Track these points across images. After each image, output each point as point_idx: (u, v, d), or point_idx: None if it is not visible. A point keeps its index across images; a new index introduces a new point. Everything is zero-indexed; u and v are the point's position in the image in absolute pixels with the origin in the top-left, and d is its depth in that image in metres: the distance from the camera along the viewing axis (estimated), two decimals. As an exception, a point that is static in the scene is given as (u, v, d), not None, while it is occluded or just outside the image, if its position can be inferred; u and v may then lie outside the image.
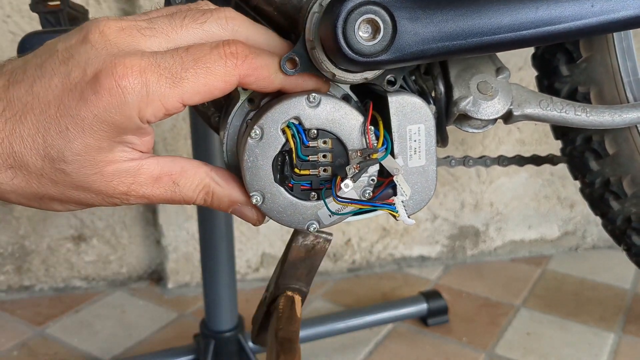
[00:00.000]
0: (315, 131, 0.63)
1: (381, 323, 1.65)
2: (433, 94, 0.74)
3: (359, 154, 0.63)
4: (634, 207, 1.01)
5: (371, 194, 0.65)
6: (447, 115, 0.73)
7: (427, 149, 0.66)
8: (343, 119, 0.63)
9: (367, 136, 0.63)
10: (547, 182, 1.98)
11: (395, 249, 1.98)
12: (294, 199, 0.64)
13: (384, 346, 1.58)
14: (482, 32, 0.60)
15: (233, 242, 1.41)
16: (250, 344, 1.44)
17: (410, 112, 0.65)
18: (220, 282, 1.40)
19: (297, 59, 0.63)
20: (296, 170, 0.64)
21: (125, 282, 1.91)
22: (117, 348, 1.60)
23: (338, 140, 0.64)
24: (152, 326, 1.69)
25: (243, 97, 0.67)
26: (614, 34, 0.90)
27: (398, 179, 0.65)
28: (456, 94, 0.72)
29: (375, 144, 0.64)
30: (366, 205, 0.64)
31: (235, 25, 0.61)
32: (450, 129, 0.77)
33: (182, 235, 1.83)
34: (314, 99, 0.62)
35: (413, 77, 0.74)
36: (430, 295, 1.69)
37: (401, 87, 0.70)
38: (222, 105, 0.74)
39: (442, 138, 0.75)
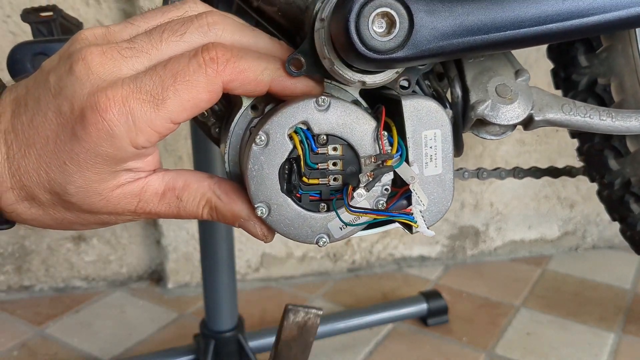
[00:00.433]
0: (325, 137, 0.57)
1: (381, 323, 1.64)
2: (450, 98, 0.68)
3: (373, 160, 0.57)
4: (656, 211, 0.95)
5: (385, 205, 0.58)
6: (463, 121, 0.67)
7: (443, 157, 0.60)
8: (354, 124, 0.57)
9: (380, 142, 0.57)
10: (547, 182, 1.97)
11: (395, 249, 1.96)
12: (303, 210, 0.58)
13: (384, 346, 1.57)
14: (505, 26, 0.54)
15: (233, 242, 1.39)
16: (250, 343, 1.43)
17: (425, 117, 0.59)
18: (220, 282, 1.39)
19: (302, 59, 0.57)
20: (304, 179, 0.57)
21: (125, 282, 1.90)
22: (117, 348, 1.58)
23: (349, 147, 0.57)
24: (152, 326, 1.68)
25: (246, 104, 0.61)
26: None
27: (414, 187, 0.58)
28: (473, 97, 0.66)
29: (389, 151, 0.57)
30: (382, 215, 0.58)
31: (218, 30, 0.56)
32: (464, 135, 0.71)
33: (182, 235, 1.81)
34: (323, 102, 0.55)
35: (427, 81, 0.68)
36: (430, 295, 1.68)
37: (414, 91, 0.64)
38: (223, 115, 0.68)
39: (457, 147, 0.68)
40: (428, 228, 0.58)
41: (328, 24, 0.55)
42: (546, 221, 2.01)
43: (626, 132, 0.71)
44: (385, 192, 0.58)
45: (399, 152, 0.58)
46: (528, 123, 0.68)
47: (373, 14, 0.51)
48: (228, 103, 0.68)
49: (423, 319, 1.66)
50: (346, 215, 0.58)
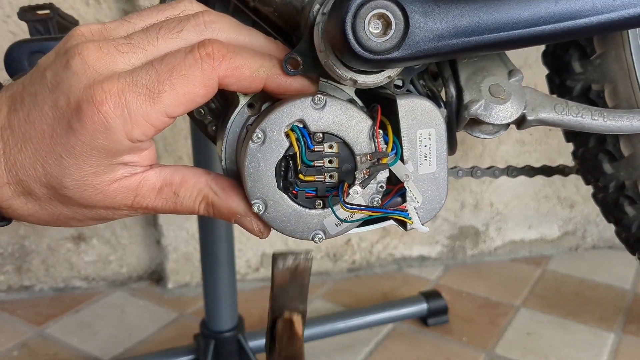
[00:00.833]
0: (321, 135, 0.58)
1: (381, 323, 1.64)
2: (443, 98, 0.70)
3: (368, 158, 0.58)
4: (650, 213, 0.96)
5: (380, 202, 0.60)
6: (457, 120, 0.68)
7: (437, 155, 0.61)
8: (350, 122, 0.58)
9: (376, 140, 0.58)
10: (547, 182, 1.96)
11: (395, 249, 1.96)
12: (299, 207, 0.59)
13: (384, 346, 1.57)
14: (499, 28, 0.56)
15: (233, 242, 1.39)
16: (250, 343, 1.43)
17: (420, 116, 0.60)
18: (220, 282, 1.39)
19: (299, 59, 0.59)
20: (301, 176, 0.59)
21: (125, 282, 1.90)
22: (117, 348, 1.59)
23: (345, 145, 0.59)
24: (152, 326, 1.68)
25: (243, 102, 0.62)
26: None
27: (409, 185, 0.60)
28: (467, 97, 0.67)
29: (385, 149, 0.59)
30: (377, 212, 0.59)
31: (214, 28, 0.57)
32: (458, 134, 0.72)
33: (182, 235, 1.82)
34: (319, 100, 0.57)
35: (422, 81, 0.69)
36: (430, 295, 1.68)
37: (408, 90, 0.66)
38: (220, 113, 0.69)
39: (450, 145, 0.70)
40: (422, 225, 0.60)
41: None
42: (546, 221, 2.01)
43: (617, 132, 0.73)
44: (380, 189, 0.60)
45: (394, 150, 0.60)
46: (521, 122, 0.70)
47: (369, 15, 0.53)
48: (225, 101, 0.69)
49: (423, 319, 1.66)
50: (342, 212, 0.59)
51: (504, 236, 2.02)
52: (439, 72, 0.70)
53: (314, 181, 0.59)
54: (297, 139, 0.57)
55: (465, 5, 0.55)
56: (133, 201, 0.58)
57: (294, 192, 0.59)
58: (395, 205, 0.61)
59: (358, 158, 0.59)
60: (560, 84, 0.91)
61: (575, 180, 1.89)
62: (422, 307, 1.65)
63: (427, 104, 0.60)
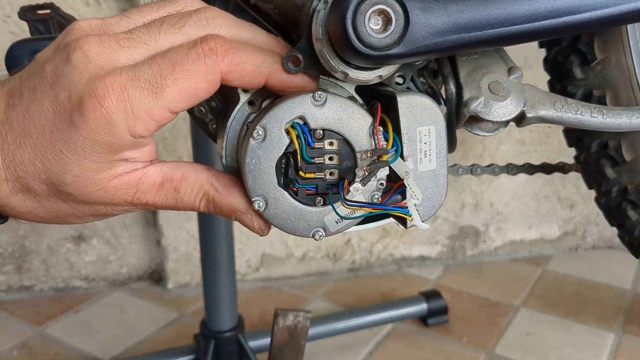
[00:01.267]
0: (321, 132, 0.58)
1: (381, 323, 1.64)
2: (443, 95, 0.70)
3: (368, 155, 0.58)
4: (653, 218, 0.97)
5: (380, 199, 0.60)
6: (457, 117, 0.68)
7: (437, 152, 0.61)
8: (350, 119, 0.58)
9: (376, 137, 0.59)
10: (547, 182, 1.97)
11: (395, 249, 1.97)
12: (299, 204, 0.59)
13: (384, 346, 1.57)
14: (499, 23, 0.56)
15: (233, 242, 1.39)
16: (250, 343, 1.44)
17: (420, 113, 0.60)
18: (220, 282, 1.39)
19: (300, 56, 0.59)
20: (301, 173, 0.59)
21: (125, 282, 1.90)
22: (117, 348, 1.59)
23: (345, 142, 0.59)
24: (152, 326, 1.68)
25: (243, 99, 0.62)
26: (629, 34, 0.85)
27: (409, 182, 0.60)
28: (466, 94, 0.67)
29: (385, 146, 0.59)
30: (377, 209, 0.59)
31: (217, 24, 0.57)
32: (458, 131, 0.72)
33: (182, 235, 1.82)
34: (319, 97, 0.57)
35: (421, 78, 0.69)
36: (430, 295, 1.68)
37: (408, 88, 0.66)
38: (220, 111, 0.69)
39: (450, 143, 0.70)
40: (423, 222, 0.60)
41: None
42: (546, 221, 2.01)
43: (617, 129, 0.73)
44: (381, 186, 0.60)
45: (394, 148, 0.60)
46: (520, 120, 0.70)
47: (369, 11, 0.53)
48: (225, 99, 0.69)
49: (423, 319, 1.66)
50: (342, 209, 0.59)
51: (504, 236, 2.02)
52: (438, 69, 0.70)
53: (315, 178, 0.59)
54: (298, 136, 0.58)
55: (465, 1, 0.55)
56: (133, 197, 0.57)
57: (294, 189, 0.59)
58: (395, 203, 0.61)
59: (358, 155, 0.59)
60: (562, 90, 0.91)
61: (575, 180, 1.89)
62: (422, 307, 1.65)
63: (427, 101, 0.61)
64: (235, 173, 0.62)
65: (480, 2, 0.55)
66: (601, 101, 0.87)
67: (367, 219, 0.62)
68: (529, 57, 1.67)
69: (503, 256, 2.03)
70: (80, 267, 1.85)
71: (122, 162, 0.55)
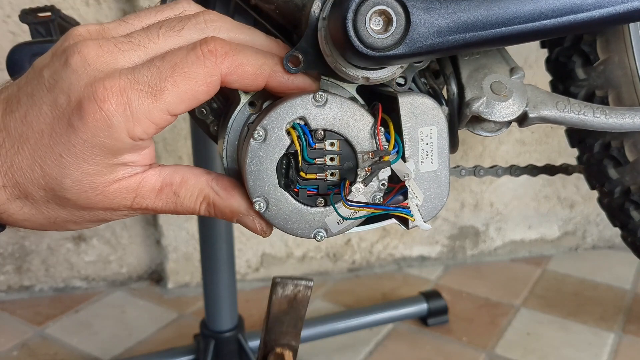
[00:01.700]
0: (322, 132, 0.58)
1: (381, 323, 1.64)
2: (445, 95, 0.69)
3: (370, 156, 0.58)
4: (656, 218, 0.96)
5: (382, 200, 0.60)
6: (459, 118, 0.68)
7: (439, 153, 0.61)
8: (352, 119, 0.58)
9: (377, 137, 0.58)
10: (547, 182, 1.97)
11: (395, 249, 1.97)
12: (300, 205, 0.59)
13: (384, 346, 1.58)
14: (501, 22, 0.56)
15: (233, 242, 1.39)
16: (250, 343, 1.44)
17: (421, 114, 0.60)
18: (220, 282, 1.39)
19: (300, 56, 0.59)
20: (302, 173, 0.58)
21: (125, 282, 1.90)
22: (117, 348, 1.59)
23: (346, 142, 0.59)
24: (152, 326, 1.68)
25: (244, 100, 0.62)
26: (632, 34, 0.84)
27: (410, 183, 0.59)
28: (468, 94, 0.67)
29: (386, 147, 0.59)
30: (379, 209, 0.59)
31: (215, 27, 0.57)
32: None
33: (182, 235, 1.82)
34: (320, 97, 0.57)
35: (423, 79, 0.69)
36: (430, 295, 1.68)
37: (410, 88, 0.66)
38: (221, 112, 0.69)
39: (452, 143, 0.70)
40: (425, 222, 0.60)
41: (328, 23, 0.57)
42: (546, 221, 2.02)
43: (619, 129, 0.73)
44: (382, 187, 0.60)
45: (396, 149, 0.59)
46: (522, 120, 0.69)
47: (370, 12, 0.52)
48: (226, 100, 0.69)
49: (423, 319, 1.67)
50: (344, 210, 0.59)
51: (504, 236, 2.02)
52: (440, 69, 0.69)
53: (316, 179, 0.59)
54: (299, 137, 0.57)
55: (466, 1, 0.55)
56: (132, 202, 0.57)
57: (295, 190, 0.59)
58: (397, 203, 0.61)
59: (360, 156, 0.59)
60: (564, 91, 0.91)
61: (576, 180, 1.89)
62: (422, 307, 1.65)
63: (428, 102, 0.60)
64: (236, 174, 0.62)
65: (482, 2, 0.55)
66: (604, 101, 0.87)
67: (368, 220, 0.62)
68: (529, 57, 1.67)
69: (503, 256, 2.04)
70: (80, 267, 1.85)
71: (122, 167, 0.55)
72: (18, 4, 1.56)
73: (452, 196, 1.92)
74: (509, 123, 0.68)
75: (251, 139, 0.57)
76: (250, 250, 1.87)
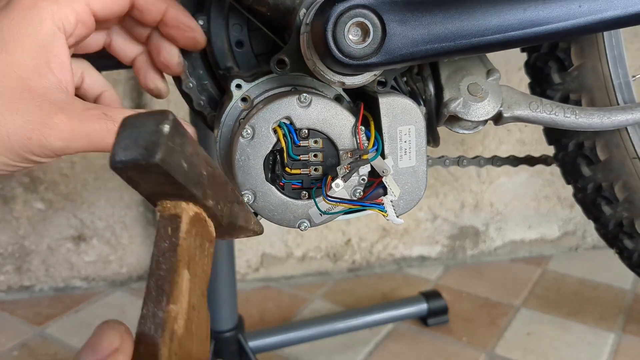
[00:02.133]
0: (306, 131, 0.65)
1: (381, 323, 1.65)
2: (424, 96, 0.76)
3: (349, 155, 0.65)
4: (625, 212, 1.03)
5: (362, 193, 0.66)
6: (437, 117, 0.75)
7: (417, 150, 0.68)
8: (334, 119, 0.64)
9: (358, 137, 0.65)
10: (547, 182, 1.99)
11: (395, 249, 1.99)
12: (285, 197, 0.66)
13: (384, 346, 1.59)
14: (470, 34, 0.62)
15: (233, 242, 1.41)
16: (250, 343, 1.46)
17: (400, 114, 0.67)
18: (220, 282, 1.41)
19: (286, 59, 0.65)
20: (287, 169, 0.65)
21: (125, 282, 1.91)
22: None
23: (329, 140, 0.65)
24: None
25: (236, 97, 0.68)
26: (605, 41, 0.91)
27: (387, 180, 0.66)
28: (447, 95, 0.74)
29: (366, 145, 0.65)
30: (355, 205, 0.66)
31: None
32: (448, 130, 0.78)
33: None
34: (305, 99, 0.63)
35: (404, 79, 0.75)
36: (430, 295, 1.69)
37: (392, 88, 0.72)
38: (217, 103, 0.75)
39: (433, 139, 0.77)
40: (398, 217, 0.66)
41: (310, 29, 0.63)
42: (546, 221, 2.03)
43: (589, 129, 0.79)
44: (363, 181, 0.66)
45: (375, 146, 0.66)
46: (497, 119, 0.76)
47: (349, 24, 0.59)
48: (222, 92, 0.75)
49: (423, 319, 1.67)
50: (324, 204, 0.66)
51: (504, 236, 2.03)
52: (419, 72, 0.76)
53: (300, 174, 0.66)
54: (284, 135, 0.64)
55: (439, 14, 0.61)
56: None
57: (281, 184, 0.66)
58: (377, 197, 0.68)
59: (341, 153, 0.65)
60: (541, 93, 0.97)
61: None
62: (422, 307, 1.66)
63: (407, 102, 0.67)
64: (229, 164, 0.69)
65: (453, 15, 0.61)
66: (577, 104, 0.93)
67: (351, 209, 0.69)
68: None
69: (503, 256, 2.04)
70: (80, 267, 1.86)
71: None
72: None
73: (452, 196, 1.95)
74: (484, 122, 0.75)
75: (240, 137, 0.63)
76: (250, 250, 1.89)
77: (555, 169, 1.87)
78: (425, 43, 0.61)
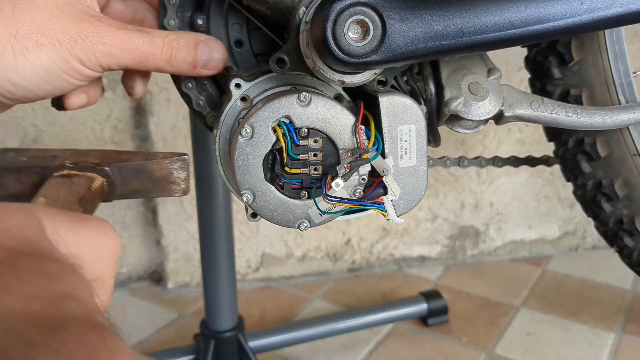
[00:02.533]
0: (306, 130, 0.64)
1: (381, 323, 1.66)
2: (424, 95, 0.75)
3: (349, 154, 0.64)
4: (625, 209, 1.02)
5: (362, 193, 0.66)
6: (438, 116, 0.74)
7: (417, 150, 0.67)
8: (334, 119, 0.64)
9: (358, 136, 0.64)
10: (547, 182, 1.98)
11: (395, 249, 1.98)
12: (285, 197, 0.65)
13: (384, 346, 1.59)
14: (471, 32, 0.61)
15: (233, 242, 1.41)
16: (250, 343, 1.45)
17: (401, 113, 0.66)
18: (220, 282, 1.41)
19: (286, 58, 0.65)
20: (287, 168, 0.65)
21: (125, 282, 1.91)
22: None
23: (329, 140, 0.65)
24: (152, 326, 1.70)
25: (236, 96, 0.68)
26: (606, 36, 0.90)
27: (387, 179, 0.65)
28: (447, 94, 0.73)
29: (366, 144, 0.64)
30: (355, 205, 0.65)
31: None
32: (448, 129, 0.78)
33: (182, 235, 1.84)
34: (304, 97, 0.63)
35: (405, 78, 0.75)
36: (430, 295, 1.69)
37: (393, 87, 0.71)
38: (217, 102, 0.75)
39: (434, 138, 0.76)
40: (399, 216, 0.66)
41: (310, 27, 0.62)
42: (546, 221, 2.03)
43: (590, 128, 0.79)
44: (363, 181, 0.66)
45: (375, 146, 0.65)
46: (498, 118, 0.76)
47: (349, 22, 0.58)
48: (221, 92, 0.74)
49: (423, 319, 1.67)
50: (324, 204, 0.65)
51: (504, 236, 2.03)
52: (419, 71, 0.75)
53: (300, 173, 0.65)
54: (284, 134, 0.63)
55: (439, 11, 0.61)
56: None
57: (280, 183, 0.65)
58: (377, 196, 0.67)
59: (341, 153, 0.65)
60: (541, 88, 0.97)
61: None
62: (422, 307, 1.66)
63: (407, 102, 0.66)
64: (227, 164, 0.68)
65: (454, 12, 0.61)
66: (578, 100, 0.92)
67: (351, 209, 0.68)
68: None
69: (503, 256, 2.04)
70: None
71: None
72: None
73: (452, 196, 1.95)
74: (485, 121, 0.74)
75: (239, 136, 0.62)
76: (250, 250, 1.89)
77: (555, 169, 1.88)
78: (425, 41, 0.60)
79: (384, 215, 0.66)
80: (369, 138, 0.65)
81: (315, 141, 0.65)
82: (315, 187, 0.65)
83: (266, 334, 1.54)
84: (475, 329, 1.65)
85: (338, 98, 0.69)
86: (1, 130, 1.62)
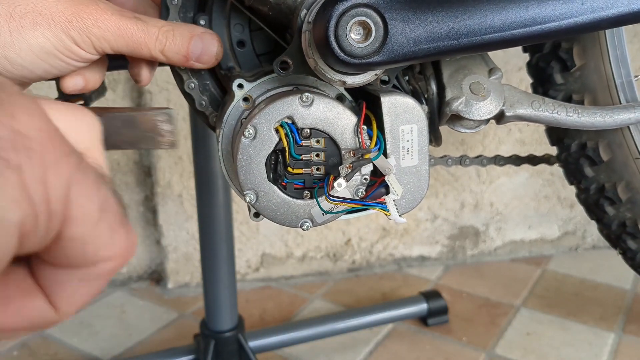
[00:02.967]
0: (309, 130, 0.64)
1: (381, 323, 1.66)
2: (426, 94, 0.76)
3: (351, 154, 0.65)
4: (628, 212, 1.03)
5: (364, 192, 0.66)
6: (439, 116, 0.75)
7: (419, 149, 0.68)
8: (336, 119, 0.64)
9: (360, 136, 0.65)
10: (547, 182, 1.99)
11: (395, 249, 1.99)
12: (287, 197, 0.66)
13: (384, 346, 1.59)
14: (473, 32, 0.62)
15: (233, 242, 1.41)
16: (250, 343, 1.46)
17: (402, 113, 0.67)
18: (220, 282, 1.41)
19: (289, 61, 0.65)
20: (289, 169, 0.65)
21: (125, 282, 1.92)
22: (117, 348, 1.61)
23: (331, 140, 0.65)
24: (152, 326, 1.70)
25: (238, 96, 0.68)
26: (608, 40, 0.91)
27: (389, 179, 0.66)
28: (449, 94, 0.74)
29: (368, 144, 0.65)
30: (358, 205, 0.66)
31: None
32: (448, 129, 0.78)
33: (182, 235, 1.84)
34: (307, 98, 0.63)
35: (406, 78, 0.75)
36: (430, 295, 1.69)
37: (394, 87, 0.72)
38: (219, 102, 0.75)
39: (435, 138, 0.77)
40: (400, 216, 0.66)
41: (312, 28, 0.63)
42: (546, 221, 2.03)
43: (591, 127, 0.79)
44: (365, 181, 0.66)
45: (377, 145, 0.66)
46: (500, 118, 0.76)
47: (351, 23, 0.59)
48: (224, 93, 0.75)
49: (423, 319, 1.67)
50: (326, 204, 0.65)
51: (504, 236, 2.03)
52: (421, 70, 0.76)
53: (302, 174, 0.65)
54: (286, 135, 0.64)
55: (441, 12, 0.61)
56: None
57: (283, 183, 0.65)
58: (379, 196, 0.67)
59: (343, 153, 0.65)
60: (544, 94, 0.97)
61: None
62: (422, 307, 1.66)
63: (409, 101, 0.67)
64: (230, 163, 0.68)
65: (456, 13, 0.61)
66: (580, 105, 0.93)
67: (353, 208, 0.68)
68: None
69: (503, 256, 2.04)
70: None
71: None
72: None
73: (452, 196, 1.95)
74: (487, 121, 0.75)
75: (242, 137, 0.63)
76: (250, 250, 1.89)
77: (555, 169, 1.89)
78: (427, 42, 0.61)
79: (386, 214, 0.66)
80: (371, 138, 0.66)
81: (318, 141, 0.65)
82: (317, 187, 0.65)
83: (266, 334, 1.54)
84: (475, 329, 1.65)
85: (340, 98, 0.69)
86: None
